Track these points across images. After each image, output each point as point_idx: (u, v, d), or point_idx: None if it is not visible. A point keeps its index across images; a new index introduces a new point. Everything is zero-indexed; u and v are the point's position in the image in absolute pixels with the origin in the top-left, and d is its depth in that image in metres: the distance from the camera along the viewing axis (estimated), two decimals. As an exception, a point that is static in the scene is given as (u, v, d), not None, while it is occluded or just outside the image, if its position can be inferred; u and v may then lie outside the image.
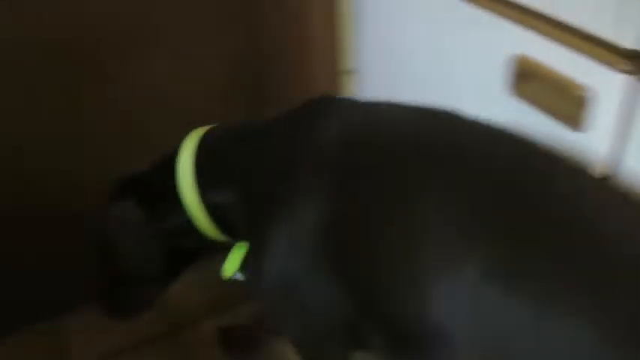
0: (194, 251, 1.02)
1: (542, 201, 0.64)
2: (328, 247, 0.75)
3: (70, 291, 1.33)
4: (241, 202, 0.89)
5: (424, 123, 0.78)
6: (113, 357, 1.38)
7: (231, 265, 0.97)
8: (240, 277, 0.99)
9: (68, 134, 1.28)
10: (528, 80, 0.84)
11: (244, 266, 0.97)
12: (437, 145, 0.72)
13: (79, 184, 1.29)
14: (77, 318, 1.43)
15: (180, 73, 1.35)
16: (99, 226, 1.00)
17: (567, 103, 0.79)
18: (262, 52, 1.41)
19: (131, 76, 1.28)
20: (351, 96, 1.24)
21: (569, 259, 0.59)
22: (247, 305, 1.41)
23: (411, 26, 1.08)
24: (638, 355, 0.54)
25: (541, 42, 0.80)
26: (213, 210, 0.93)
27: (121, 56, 1.26)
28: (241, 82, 1.43)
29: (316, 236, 0.75)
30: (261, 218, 0.84)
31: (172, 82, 1.34)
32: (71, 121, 1.27)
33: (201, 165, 0.93)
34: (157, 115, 1.34)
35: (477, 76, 0.95)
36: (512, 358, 0.60)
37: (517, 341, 0.60)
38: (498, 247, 0.62)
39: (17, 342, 1.39)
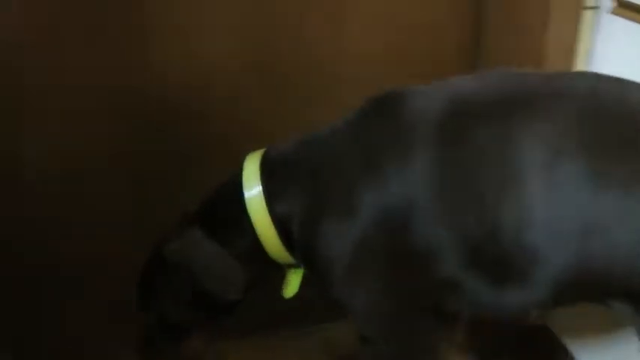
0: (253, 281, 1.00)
1: (619, 112, 0.77)
2: (437, 203, 0.81)
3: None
4: (309, 196, 0.91)
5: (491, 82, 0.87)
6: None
7: (292, 288, 1.04)
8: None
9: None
10: None
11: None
12: (510, 99, 0.82)
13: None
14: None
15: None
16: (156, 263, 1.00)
17: None
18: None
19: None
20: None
21: None
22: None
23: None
24: None
25: None
26: (281, 221, 0.93)
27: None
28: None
29: (424, 194, 0.81)
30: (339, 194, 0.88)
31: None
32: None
33: (267, 178, 0.93)
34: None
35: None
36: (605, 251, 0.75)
37: (610, 229, 0.74)
38: (589, 153, 0.75)
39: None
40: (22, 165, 1.22)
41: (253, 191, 0.93)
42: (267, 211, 0.92)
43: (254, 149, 0.99)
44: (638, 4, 1.06)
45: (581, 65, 1.19)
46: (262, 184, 0.93)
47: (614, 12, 1.11)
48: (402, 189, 0.83)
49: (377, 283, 0.90)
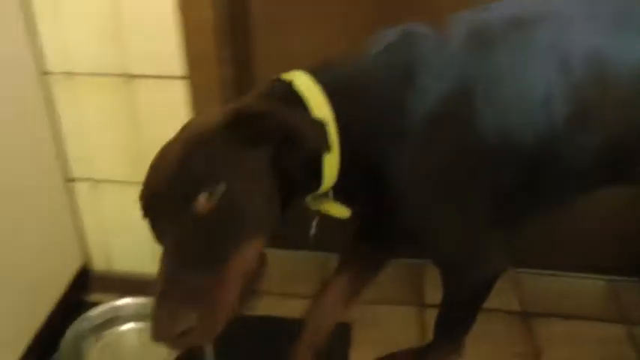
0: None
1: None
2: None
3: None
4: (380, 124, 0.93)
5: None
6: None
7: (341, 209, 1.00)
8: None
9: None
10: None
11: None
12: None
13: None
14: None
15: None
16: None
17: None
18: None
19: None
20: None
21: None
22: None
23: None
24: None
25: None
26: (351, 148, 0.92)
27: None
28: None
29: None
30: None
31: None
32: None
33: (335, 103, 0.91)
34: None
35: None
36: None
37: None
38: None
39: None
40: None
41: (315, 92, 0.91)
42: (337, 136, 0.91)
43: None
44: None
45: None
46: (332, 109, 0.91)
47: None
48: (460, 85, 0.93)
49: (459, 195, 0.97)
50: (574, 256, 1.77)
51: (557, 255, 1.77)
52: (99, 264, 1.72)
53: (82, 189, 1.60)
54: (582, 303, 1.69)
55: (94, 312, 1.55)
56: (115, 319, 1.57)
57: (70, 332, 1.48)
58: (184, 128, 0.92)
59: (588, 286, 1.76)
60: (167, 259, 0.80)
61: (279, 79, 0.95)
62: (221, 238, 0.81)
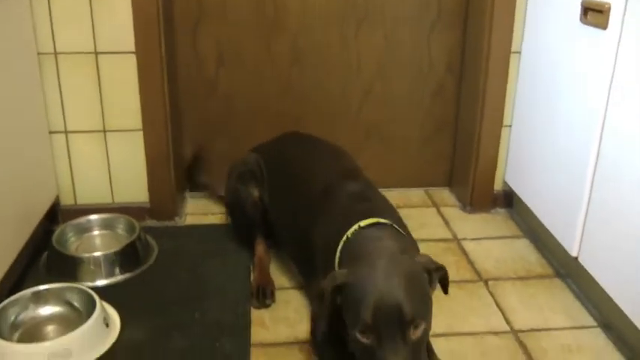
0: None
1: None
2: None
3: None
4: None
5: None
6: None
7: None
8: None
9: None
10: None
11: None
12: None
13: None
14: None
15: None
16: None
17: None
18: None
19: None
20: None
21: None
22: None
23: None
24: None
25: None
26: None
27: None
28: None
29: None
30: None
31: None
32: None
33: None
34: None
35: None
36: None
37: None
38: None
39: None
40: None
41: None
42: None
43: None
44: None
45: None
46: None
47: None
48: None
49: None
50: (402, 175, 2.64)
51: (390, 175, 2.62)
52: (66, 200, 2.36)
53: (58, 139, 2.26)
54: (408, 203, 2.55)
55: (74, 221, 2.20)
56: (88, 227, 2.22)
57: (57, 233, 2.12)
58: (396, 263, 1.34)
59: (413, 194, 2.63)
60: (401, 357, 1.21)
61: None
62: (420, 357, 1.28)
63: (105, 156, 2.31)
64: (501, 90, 2.36)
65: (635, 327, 1.62)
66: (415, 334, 1.23)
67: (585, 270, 1.85)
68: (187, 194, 2.59)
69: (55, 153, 2.28)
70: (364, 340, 1.23)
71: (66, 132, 2.26)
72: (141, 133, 2.28)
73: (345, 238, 1.51)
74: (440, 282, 1.38)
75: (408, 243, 1.54)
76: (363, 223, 1.51)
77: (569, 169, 1.93)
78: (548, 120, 2.09)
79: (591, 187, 1.82)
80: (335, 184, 1.75)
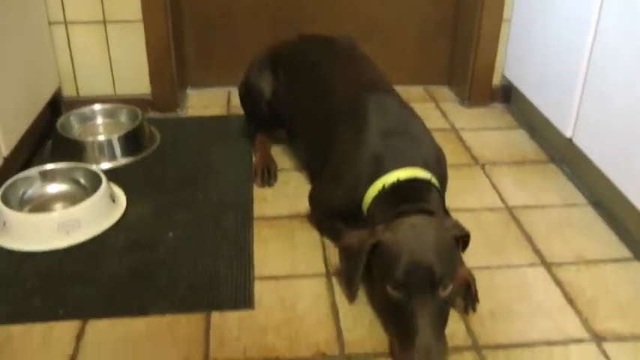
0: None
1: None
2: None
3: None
4: None
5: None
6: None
7: None
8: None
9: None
10: None
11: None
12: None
13: None
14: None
15: None
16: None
17: None
18: None
19: None
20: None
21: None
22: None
23: None
24: None
25: None
26: None
27: None
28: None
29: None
30: None
31: None
32: None
33: None
34: None
35: None
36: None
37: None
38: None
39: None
40: None
41: None
42: None
43: None
44: None
45: None
46: None
47: None
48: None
49: None
50: (402, 73, 2.65)
51: (389, 73, 2.63)
52: (68, 91, 2.38)
53: (58, 30, 2.27)
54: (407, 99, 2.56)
55: (78, 110, 2.23)
56: (91, 116, 2.26)
57: (61, 120, 2.16)
58: (430, 226, 1.36)
59: (413, 91, 2.65)
60: (428, 319, 1.25)
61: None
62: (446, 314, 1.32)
63: (105, 47, 2.32)
64: (502, -19, 2.36)
65: (626, 202, 1.68)
66: (443, 293, 1.28)
67: (579, 150, 1.90)
68: (189, 90, 2.62)
69: (55, 44, 2.29)
70: (395, 293, 1.29)
71: (65, 22, 2.26)
72: (141, 24, 2.28)
73: (381, 186, 1.49)
74: (463, 244, 1.42)
75: (441, 198, 1.55)
76: (402, 175, 1.48)
77: (566, 55, 1.95)
78: (548, 8, 2.09)
79: (587, 70, 1.85)
80: (364, 97, 1.64)
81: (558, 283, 1.55)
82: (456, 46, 2.64)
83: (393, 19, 2.59)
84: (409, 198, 1.46)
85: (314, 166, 1.87)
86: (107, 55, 2.33)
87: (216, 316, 1.43)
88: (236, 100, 2.22)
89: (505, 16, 2.41)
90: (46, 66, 2.24)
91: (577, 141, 1.91)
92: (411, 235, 1.33)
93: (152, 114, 2.40)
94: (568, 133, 1.95)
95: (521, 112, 2.44)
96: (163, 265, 1.60)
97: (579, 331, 1.40)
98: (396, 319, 1.30)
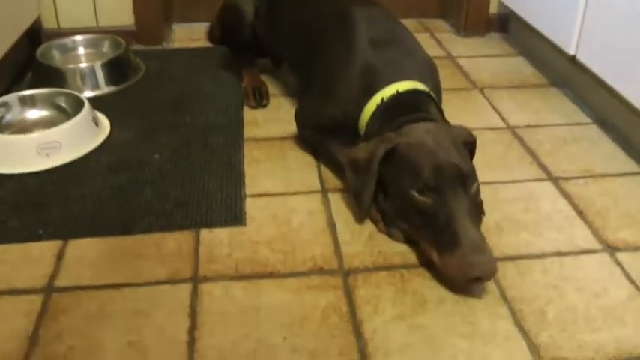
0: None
1: None
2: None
3: None
4: None
5: None
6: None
7: None
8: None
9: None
10: None
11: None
12: None
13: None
14: None
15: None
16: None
17: None
18: None
19: None
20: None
21: None
22: None
23: None
24: None
25: None
26: None
27: None
28: None
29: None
30: None
31: None
32: None
33: None
34: None
35: None
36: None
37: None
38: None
39: None
40: None
41: None
42: None
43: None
44: None
45: None
46: None
47: None
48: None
49: None
50: (393, 5, 2.51)
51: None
52: (49, 23, 2.24)
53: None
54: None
55: (59, 40, 2.09)
56: (73, 47, 2.12)
57: (41, 49, 2.02)
58: (443, 131, 1.27)
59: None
60: (467, 215, 1.15)
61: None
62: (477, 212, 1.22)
63: (87, -27, 2.17)
64: None
65: (632, 117, 1.58)
66: (473, 189, 1.20)
67: (583, 66, 1.79)
68: (175, 25, 2.47)
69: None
70: (423, 199, 1.18)
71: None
72: (125, -53, 2.14)
73: (379, 99, 1.38)
74: (470, 152, 1.32)
75: (440, 110, 1.43)
76: (401, 87, 1.37)
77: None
78: None
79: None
80: (353, 10, 1.53)
81: (566, 196, 1.44)
82: (451, -25, 2.50)
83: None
84: (410, 110, 1.35)
85: (301, 84, 1.74)
86: (89, -18, 2.18)
87: (205, 233, 1.32)
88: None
89: (503, -62, 2.27)
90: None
91: (580, 57, 1.80)
92: (428, 138, 1.23)
93: (136, 47, 2.25)
94: (571, 51, 1.83)
95: (520, 40, 2.31)
96: (149, 184, 1.48)
97: (590, 242, 1.30)
98: (429, 225, 1.19)
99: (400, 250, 1.27)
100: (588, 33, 1.75)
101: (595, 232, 1.32)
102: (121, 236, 1.31)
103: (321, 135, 1.53)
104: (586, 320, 1.10)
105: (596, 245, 1.29)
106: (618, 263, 1.24)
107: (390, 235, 1.30)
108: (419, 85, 1.40)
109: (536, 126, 1.75)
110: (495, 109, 1.83)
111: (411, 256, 1.26)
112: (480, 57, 2.22)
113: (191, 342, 1.06)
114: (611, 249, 1.28)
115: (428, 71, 1.49)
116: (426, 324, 1.10)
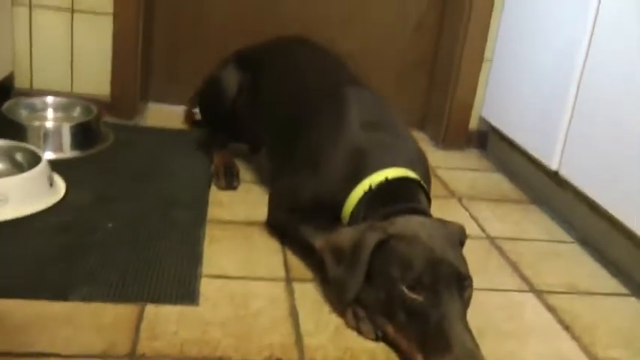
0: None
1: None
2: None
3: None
4: None
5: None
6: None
7: None
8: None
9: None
10: None
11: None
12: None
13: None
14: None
15: None
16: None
17: None
18: None
19: None
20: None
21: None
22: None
23: None
24: None
25: None
26: None
27: None
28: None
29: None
30: None
31: None
32: None
33: None
34: None
35: None
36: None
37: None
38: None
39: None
40: None
41: None
42: None
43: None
44: None
45: None
46: None
47: None
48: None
49: None
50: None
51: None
52: (21, 82, 2.13)
53: (20, 12, 2.04)
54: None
55: (28, 99, 1.97)
56: (42, 107, 1.99)
57: (8, 103, 1.89)
58: (438, 225, 1.17)
59: None
60: (461, 321, 1.03)
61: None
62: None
63: (69, 38, 2.09)
64: (485, 20, 2.23)
65: (616, 237, 1.50)
66: (468, 293, 1.09)
67: (566, 183, 1.73)
68: (151, 104, 2.38)
69: (15, 26, 2.05)
70: (414, 296, 1.05)
71: (30, 5, 2.04)
72: (111, 17, 2.07)
73: (367, 186, 1.27)
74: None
75: (429, 201, 1.34)
76: (390, 175, 1.27)
77: (551, 90, 1.82)
78: (530, 50, 1.97)
79: (574, 102, 1.72)
80: (343, 89, 1.46)
81: (550, 309, 1.32)
82: (433, 86, 2.48)
83: (370, 52, 2.43)
84: (400, 199, 1.25)
85: (280, 167, 1.61)
86: (69, 47, 2.10)
87: (151, 308, 1.16)
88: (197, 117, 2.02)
89: (487, 55, 2.27)
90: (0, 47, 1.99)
91: (563, 172, 1.74)
92: (424, 233, 1.12)
93: (108, 118, 2.13)
94: (554, 166, 1.77)
95: (498, 156, 2.26)
96: (97, 250, 1.32)
97: (580, 357, 1.16)
98: (416, 324, 1.05)
99: (369, 348, 1.12)
100: (572, 148, 1.71)
101: (584, 348, 1.19)
102: (55, 302, 1.14)
103: (295, 218, 1.40)
104: None
105: (586, 361, 1.15)
106: (611, 385, 1.10)
107: (359, 331, 1.15)
108: (409, 173, 1.30)
109: (517, 239, 1.65)
110: (474, 219, 1.74)
111: (382, 356, 1.10)
112: (459, 169, 2.15)
113: None
114: (603, 368, 1.14)
115: (418, 159, 1.40)
116: None
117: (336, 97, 1.45)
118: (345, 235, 1.19)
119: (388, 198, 1.25)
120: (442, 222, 1.20)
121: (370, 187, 1.27)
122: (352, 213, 1.28)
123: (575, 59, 1.71)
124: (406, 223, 1.15)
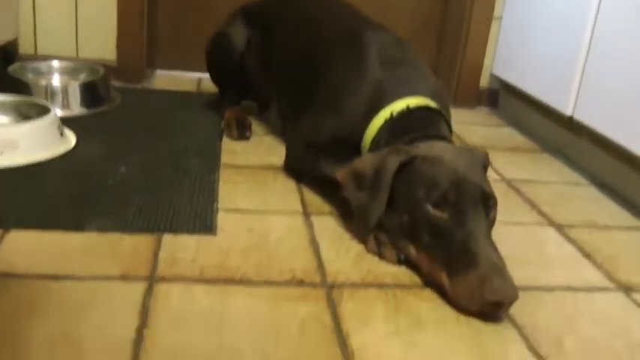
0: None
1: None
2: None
3: None
4: None
5: None
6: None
7: None
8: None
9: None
10: None
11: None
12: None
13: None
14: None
15: None
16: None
17: None
18: None
19: None
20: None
21: None
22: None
23: None
24: None
25: None
26: None
27: None
28: None
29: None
30: None
31: None
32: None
33: None
34: None
35: None
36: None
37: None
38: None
39: None
40: None
41: None
42: None
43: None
44: None
45: None
46: None
47: None
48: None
49: None
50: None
51: None
52: (26, 48, 2.10)
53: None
54: None
55: (34, 63, 1.95)
56: (48, 71, 1.97)
57: (14, 66, 1.87)
58: (462, 148, 1.18)
59: None
60: (487, 238, 1.01)
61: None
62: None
63: (74, 1, 2.06)
64: (495, -25, 2.21)
65: (633, 177, 1.47)
66: (493, 213, 1.07)
67: (581, 128, 1.71)
68: (157, 71, 2.36)
69: (19, -9, 2.03)
70: (439, 213, 1.03)
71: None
72: (116, -21, 2.05)
73: (388, 114, 1.25)
74: None
75: (450, 132, 1.32)
76: (412, 103, 1.25)
77: (565, 39, 1.78)
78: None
79: (588, 47, 1.69)
80: (362, 31, 1.43)
81: (571, 241, 1.30)
82: (442, 48, 2.45)
83: (380, 16, 2.39)
84: (421, 126, 1.23)
85: (296, 115, 1.56)
86: (74, 11, 2.08)
87: (168, 238, 1.13)
88: (207, 83, 1.97)
89: (496, 13, 2.24)
90: (3, 11, 1.96)
91: (578, 116, 1.71)
92: (448, 155, 1.10)
93: (115, 82, 2.11)
94: (569, 111, 1.74)
95: (509, 113, 2.23)
96: (110, 192, 1.30)
97: (603, 281, 1.14)
98: (441, 243, 1.02)
99: (392, 271, 1.09)
100: (587, 90, 1.68)
101: (606, 274, 1.17)
102: (71, 232, 1.12)
103: (315, 154, 1.38)
104: (611, 353, 0.92)
105: (610, 284, 1.13)
106: (636, 302, 1.07)
107: (382, 256, 1.13)
108: (430, 103, 1.27)
109: (533, 181, 1.62)
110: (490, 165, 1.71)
111: (405, 278, 1.08)
112: (471, 124, 2.13)
113: (138, 340, 0.85)
114: (627, 289, 1.11)
115: (439, 91, 1.37)
116: (425, 343, 0.91)
117: (354, 40, 1.42)
118: (367, 161, 1.16)
119: (410, 125, 1.23)
120: (467, 147, 1.17)
121: (392, 114, 1.25)
122: (373, 141, 1.25)
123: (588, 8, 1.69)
124: (429, 147, 1.13)
